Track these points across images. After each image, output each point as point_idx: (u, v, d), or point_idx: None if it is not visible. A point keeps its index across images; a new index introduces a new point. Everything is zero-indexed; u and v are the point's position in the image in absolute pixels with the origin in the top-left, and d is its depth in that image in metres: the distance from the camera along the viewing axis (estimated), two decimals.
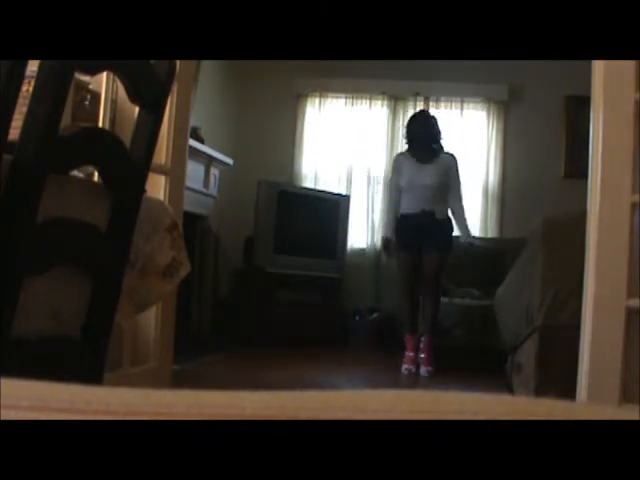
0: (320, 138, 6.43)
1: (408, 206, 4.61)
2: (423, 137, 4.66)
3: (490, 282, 4.93)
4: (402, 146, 5.47)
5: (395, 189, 4.74)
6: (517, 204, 6.15)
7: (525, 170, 6.19)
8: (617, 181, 2.34)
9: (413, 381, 4.34)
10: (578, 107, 5.72)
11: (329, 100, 6.48)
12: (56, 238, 1.44)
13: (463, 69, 6.04)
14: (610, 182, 2.35)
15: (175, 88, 2.94)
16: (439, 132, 4.74)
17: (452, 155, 4.74)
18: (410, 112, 6.36)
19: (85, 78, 2.68)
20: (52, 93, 1.29)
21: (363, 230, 6.29)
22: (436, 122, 4.76)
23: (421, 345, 4.58)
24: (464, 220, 4.69)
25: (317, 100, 6.47)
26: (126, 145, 1.57)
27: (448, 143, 6.01)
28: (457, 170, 4.69)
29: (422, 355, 4.56)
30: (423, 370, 4.50)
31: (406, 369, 4.55)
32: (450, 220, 4.65)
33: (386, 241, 4.75)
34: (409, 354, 4.59)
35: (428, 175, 4.59)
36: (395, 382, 4.31)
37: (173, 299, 3.13)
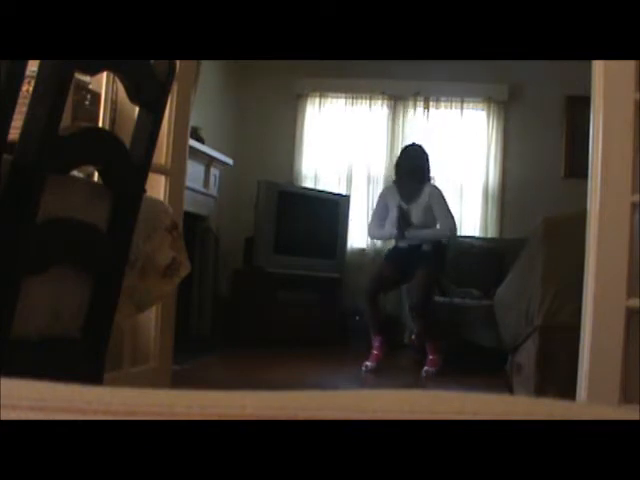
0: (320, 138, 6.42)
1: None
2: (410, 175, 4.71)
3: (490, 282, 4.93)
4: (402, 146, 5.47)
5: (376, 224, 4.87)
6: (517, 204, 6.15)
7: (525, 170, 6.18)
8: (617, 181, 2.35)
9: (372, 379, 4.38)
10: (578, 107, 5.71)
11: (329, 100, 6.47)
12: (56, 238, 1.44)
13: (463, 69, 6.04)
14: (610, 182, 2.35)
15: (175, 88, 2.94)
16: (428, 169, 4.77)
17: (435, 187, 4.76)
18: (410, 112, 6.37)
19: (85, 78, 2.68)
20: (52, 93, 1.29)
21: (363, 230, 6.28)
22: (427, 158, 4.78)
23: (426, 349, 4.63)
24: (438, 230, 4.70)
25: (317, 100, 6.46)
26: (126, 145, 1.57)
27: (448, 143, 5.99)
28: (440, 199, 4.70)
29: (430, 357, 4.59)
30: (423, 370, 4.50)
31: (365, 366, 4.58)
32: (436, 247, 4.70)
33: (401, 211, 4.68)
34: (375, 352, 4.64)
35: (413, 215, 4.67)
36: (395, 382, 4.31)
37: (173, 299, 3.13)
